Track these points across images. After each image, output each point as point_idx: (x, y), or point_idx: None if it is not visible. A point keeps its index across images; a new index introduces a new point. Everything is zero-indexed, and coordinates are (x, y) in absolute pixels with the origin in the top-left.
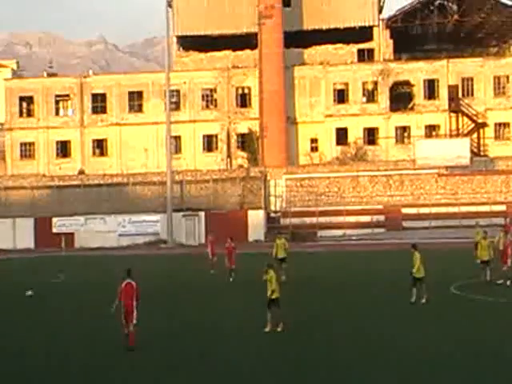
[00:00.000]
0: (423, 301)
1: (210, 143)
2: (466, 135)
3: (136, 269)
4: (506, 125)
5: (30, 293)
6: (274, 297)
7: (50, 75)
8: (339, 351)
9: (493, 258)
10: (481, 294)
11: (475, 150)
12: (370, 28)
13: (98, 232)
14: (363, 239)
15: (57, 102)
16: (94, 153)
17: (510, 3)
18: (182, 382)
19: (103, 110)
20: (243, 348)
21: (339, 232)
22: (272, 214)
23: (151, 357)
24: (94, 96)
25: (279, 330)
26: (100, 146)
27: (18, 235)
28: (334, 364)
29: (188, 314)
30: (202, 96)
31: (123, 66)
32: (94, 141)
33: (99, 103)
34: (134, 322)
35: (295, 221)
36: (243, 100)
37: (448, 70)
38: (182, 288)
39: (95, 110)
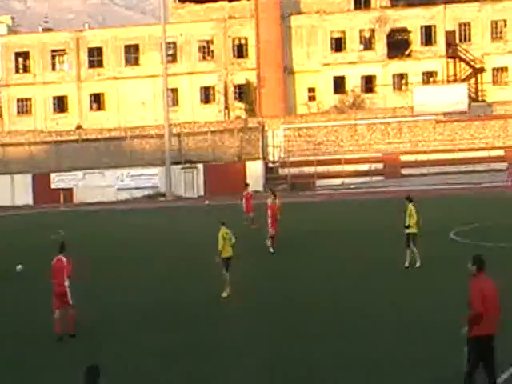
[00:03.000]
0: (417, 264)
1: (207, 95)
2: (463, 81)
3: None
4: (503, 69)
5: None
6: (228, 256)
7: (46, 30)
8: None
9: None
10: (479, 239)
11: (473, 95)
12: None
13: (96, 187)
14: (362, 187)
15: (53, 57)
16: (91, 107)
17: None
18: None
19: (100, 65)
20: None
21: (338, 181)
22: (270, 165)
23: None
24: (90, 50)
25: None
26: (97, 101)
27: (16, 192)
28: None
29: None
30: (199, 48)
31: (119, 20)
32: (90, 95)
33: (95, 57)
34: (70, 302)
35: (294, 171)
36: (240, 51)
37: (445, 16)
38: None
39: (92, 65)
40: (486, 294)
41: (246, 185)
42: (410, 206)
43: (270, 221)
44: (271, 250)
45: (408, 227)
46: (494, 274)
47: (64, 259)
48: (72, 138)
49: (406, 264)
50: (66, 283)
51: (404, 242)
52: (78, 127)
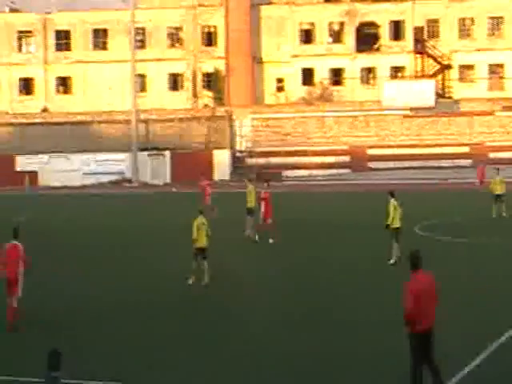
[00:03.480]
0: (391, 261)
1: (175, 82)
2: (431, 77)
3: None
4: (470, 67)
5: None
6: (199, 246)
7: (12, 11)
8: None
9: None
10: (443, 234)
11: (440, 91)
12: None
13: (62, 171)
14: (329, 180)
15: (19, 39)
16: (57, 90)
17: None
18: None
19: (67, 48)
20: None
21: (305, 172)
22: (237, 154)
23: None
24: (58, 33)
25: (203, 284)
26: (64, 84)
27: None
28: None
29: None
30: (168, 34)
31: (88, 3)
32: (57, 78)
33: (63, 40)
34: (19, 294)
35: (261, 161)
36: (209, 39)
37: (413, 12)
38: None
39: (59, 48)
40: (421, 293)
41: (202, 175)
42: (393, 200)
43: (263, 211)
44: (269, 240)
45: (388, 225)
46: (453, 269)
47: (20, 247)
48: (38, 120)
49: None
50: (20, 272)
51: (390, 237)
52: (44, 110)
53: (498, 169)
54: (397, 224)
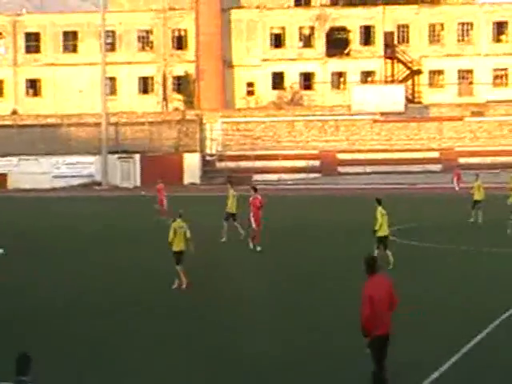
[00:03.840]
0: (390, 266)
1: (145, 85)
2: (401, 82)
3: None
4: (440, 72)
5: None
6: (176, 249)
7: None
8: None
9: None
10: (414, 239)
11: (410, 96)
12: None
13: (31, 173)
14: (298, 184)
15: None
16: (27, 93)
17: None
18: None
19: (37, 50)
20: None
21: (275, 176)
22: (208, 158)
23: None
24: (28, 35)
25: (184, 286)
26: (34, 86)
27: None
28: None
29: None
30: (138, 37)
31: (57, 5)
32: (27, 81)
33: (33, 42)
34: None
35: (231, 164)
36: (179, 42)
37: (384, 17)
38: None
39: (29, 50)
40: (375, 297)
41: (159, 179)
42: (380, 208)
43: (252, 218)
44: (257, 248)
45: (376, 231)
46: (422, 274)
47: None
48: (7, 122)
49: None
50: None
51: (376, 245)
52: (14, 112)
53: (478, 174)
54: (385, 232)
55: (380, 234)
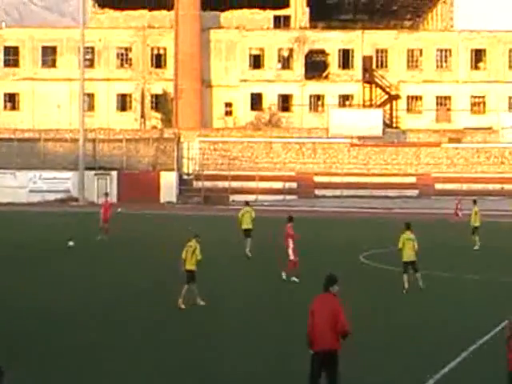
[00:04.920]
0: (421, 285)
1: (123, 102)
2: (378, 106)
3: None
4: (417, 98)
5: (71, 243)
6: (188, 268)
7: None
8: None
9: None
10: (388, 263)
11: (388, 121)
12: None
13: (7, 187)
14: (275, 205)
15: None
16: (5, 107)
17: None
18: None
19: (16, 64)
20: None
21: (251, 197)
22: (185, 177)
23: None
24: (6, 49)
25: (202, 303)
26: (12, 100)
27: None
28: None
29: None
30: (117, 54)
31: (37, 20)
32: (5, 95)
33: (11, 56)
34: None
35: (208, 184)
36: (158, 60)
37: (363, 41)
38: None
39: (7, 64)
40: (317, 313)
41: (106, 194)
42: (406, 233)
43: (290, 248)
44: (296, 279)
45: (403, 255)
46: (393, 299)
47: None
48: None
49: (406, 286)
50: None
51: (403, 269)
52: None
53: (475, 201)
54: (409, 257)
55: (404, 259)
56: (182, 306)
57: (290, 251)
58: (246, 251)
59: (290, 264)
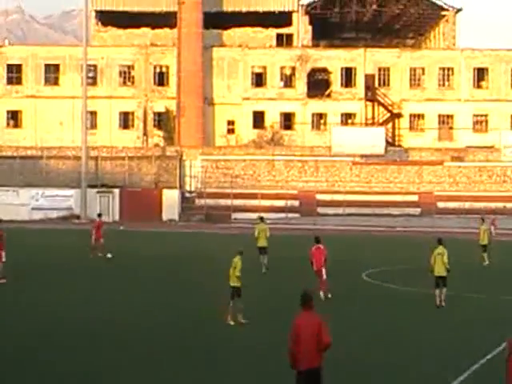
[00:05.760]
0: (442, 303)
1: (126, 120)
2: (381, 124)
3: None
4: (420, 116)
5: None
6: (232, 285)
7: None
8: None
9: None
10: (391, 282)
11: (390, 139)
12: (290, 13)
13: (10, 204)
14: (277, 223)
15: None
16: (7, 124)
17: None
18: None
19: (18, 82)
20: None
21: (254, 215)
22: (187, 194)
23: None
24: (10, 66)
25: (243, 321)
26: (14, 118)
27: None
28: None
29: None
30: (120, 72)
31: (40, 38)
32: (8, 112)
33: (14, 74)
34: None
35: (210, 202)
36: (161, 78)
37: (365, 59)
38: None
39: (10, 81)
40: (300, 332)
41: (99, 215)
42: (439, 248)
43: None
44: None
45: (432, 271)
46: (395, 318)
47: None
48: None
49: (437, 302)
50: None
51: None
52: None
53: (483, 219)
54: (439, 272)
55: (435, 273)
56: (231, 323)
57: (324, 271)
58: (264, 269)
59: (323, 284)
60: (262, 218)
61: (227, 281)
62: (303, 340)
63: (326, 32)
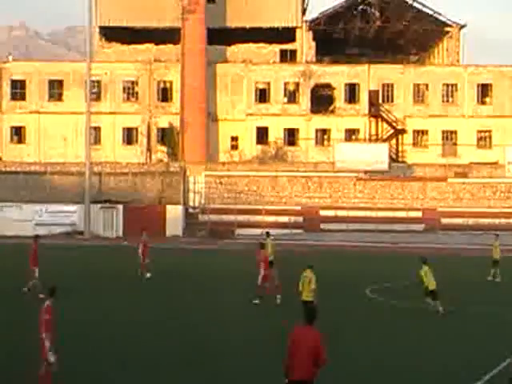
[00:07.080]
0: (439, 314)
1: (129, 136)
2: (384, 140)
3: None
4: (423, 132)
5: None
6: (305, 299)
7: None
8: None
9: None
10: (394, 298)
11: (393, 155)
12: (293, 29)
13: (13, 220)
14: (281, 239)
15: None
16: (11, 140)
17: (431, 12)
18: None
19: (22, 97)
20: None
21: (257, 231)
22: (190, 210)
23: None
24: (14, 82)
25: None
26: (18, 133)
27: None
28: None
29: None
30: (123, 88)
31: (44, 54)
32: (12, 128)
33: (18, 90)
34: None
35: (213, 218)
36: (165, 94)
37: (369, 75)
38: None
39: (14, 97)
40: (296, 342)
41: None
42: (425, 268)
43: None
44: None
45: (426, 288)
46: (400, 332)
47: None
48: None
49: (440, 309)
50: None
51: (430, 298)
52: None
53: (497, 235)
54: (432, 286)
55: (430, 288)
56: None
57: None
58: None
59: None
60: (268, 233)
61: (299, 296)
62: (299, 351)
63: (329, 48)
